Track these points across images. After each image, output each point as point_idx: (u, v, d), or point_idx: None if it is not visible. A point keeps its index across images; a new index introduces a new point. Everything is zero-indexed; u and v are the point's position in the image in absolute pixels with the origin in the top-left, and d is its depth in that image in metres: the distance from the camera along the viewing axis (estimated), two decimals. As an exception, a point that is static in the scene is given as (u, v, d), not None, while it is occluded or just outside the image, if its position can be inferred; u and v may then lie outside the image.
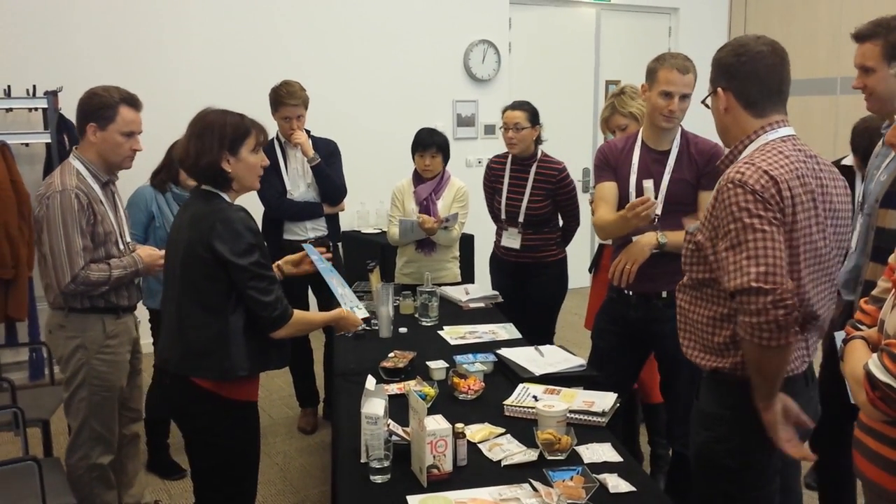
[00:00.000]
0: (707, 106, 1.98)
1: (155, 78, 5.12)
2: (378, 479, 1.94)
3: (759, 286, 1.67)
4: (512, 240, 3.78)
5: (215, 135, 2.17)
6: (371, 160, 5.63)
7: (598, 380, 2.64)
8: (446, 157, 3.86)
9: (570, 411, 2.21)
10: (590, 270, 3.96)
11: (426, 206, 3.82)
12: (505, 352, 2.80)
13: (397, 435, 2.08)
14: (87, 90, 2.65)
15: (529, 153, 3.74)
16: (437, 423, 1.93)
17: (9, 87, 4.63)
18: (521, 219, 3.74)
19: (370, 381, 2.18)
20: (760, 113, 1.85)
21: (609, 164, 2.84)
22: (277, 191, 3.82)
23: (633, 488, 1.88)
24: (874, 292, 1.88)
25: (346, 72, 5.87)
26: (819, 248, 1.81)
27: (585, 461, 2.01)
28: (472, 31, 6.30)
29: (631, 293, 2.80)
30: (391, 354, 2.81)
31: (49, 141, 4.53)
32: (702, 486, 1.98)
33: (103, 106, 2.60)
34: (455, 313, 3.47)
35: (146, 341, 3.11)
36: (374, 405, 2.05)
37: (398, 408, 2.26)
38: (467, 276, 4.61)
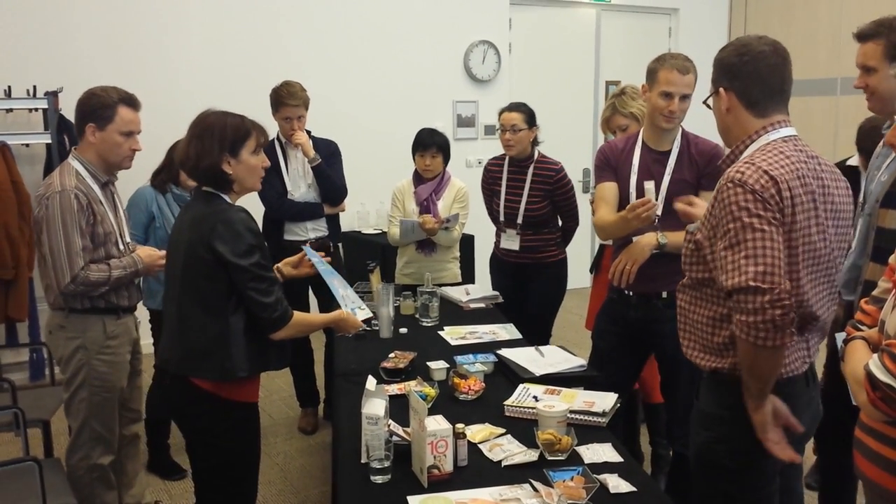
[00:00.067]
0: (709, 106, 1.98)
1: (155, 78, 5.12)
2: (378, 479, 1.94)
3: (756, 285, 1.67)
4: (511, 242, 3.78)
5: (216, 137, 2.17)
6: (371, 160, 5.63)
7: (599, 380, 2.64)
8: (447, 158, 3.86)
9: (571, 412, 2.21)
10: (591, 271, 3.96)
11: (426, 207, 3.82)
12: (505, 352, 2.80)
13: (398, 435, 2.08)
14: (86, 90, 2.65)
15: (526, 154, 3.74)
16: (438, 424, 1.93)
17: (9, 87, 4.63)
18: (519, 220, 3.74)
19: (371, 382, 2.18)
20: (762, 113, 1.85)
21: (609, 165, 2.84)
22: (278, 191, 3.82)
23: (634, 488, 1.88)
24: (875, 293, 1.88)
25: (346, 72, 5.87)
26: (818, 249, 1.81)
27: (586, 461, 2.01)
28: (472, 31, 6.31)
29: (631, 293, 2.80)
30: (392, 355, 2.81)
31: (49, 141, 4.53)
32: (702, 487, 1.98)
33: (102, 106, 2.60)
34: (455, 314, 3.47)
35: (146, 342, 3.12)
36: (374, 405, 2.05)
37: (399, 408, 2.27)
38: (468, 276, 4.62)
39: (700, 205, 2.28)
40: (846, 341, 1.73)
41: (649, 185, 2.62)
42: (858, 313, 1.82)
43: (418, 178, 3.88)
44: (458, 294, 3.68)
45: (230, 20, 5.45)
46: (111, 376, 2.71)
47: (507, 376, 2.67)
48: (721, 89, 1.89)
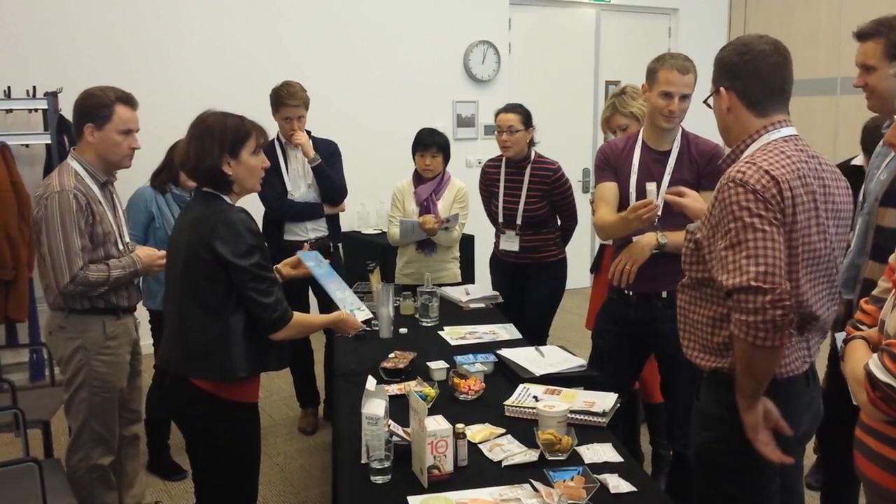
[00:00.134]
0: (709, 106, 1.98)
1: (155, 78, 5.13)
2: (379, 479, 1.94)
3: (758, 285, 1.67)
4: (510, 243, 3.78)
5: (216, 138, 2.17)
6: (371, 161, 5.63)
7: (599, 380, 2.64)
8: (447, 158, 3.86)
9: (571, 412, 2.21)
10: (591, 271, 3.96)
11: (426, 207, 3.82)
12: (505, 352, 2.80)
13: (398, 435, 2.07)
14: (83, 91, 2.65)
15: (523, 155, 3.74)
16: (438, 424, 1.93)
17: (9, 88, 4.63)
18: (518, 221, 3.74)
19: (370, 382, 2.18)
20: (763, 112, 1.85)
21: (609, 165, 2.84)
22: (278, 191, 3.81)
23: (634, 489, 1.88)
24: (874, 292, 1.88)
25: (346, 72, 5.87)
26: (818, 250, 1.81)
27: (586, 461, 2.01)
28: (471, 31, 6.31)
29: (631, 293, 2.80)
30: (391, 355, 2.81)
31: (49, 142, 4.53)
32: (702, 487, 1.97)
33: (99, 105, 2.61)
34: (455, 314, 3.47)
35: (146, 342, 3.12)
36: (374, 406, 2.05)
37: (399, 408, 2.26)
38: (467, 276, 4.62)
39: (691, 195, 2.28)
40: (846, 341, 1.72)
41: (651, 187, 2.61)
42: (858, 313, 1.82)
43: (418, 179, 3.88)
44: (457, 294, 3.68)
45: (230, 20, 5.45)
46: (111, 377, 2.71)
47: (507, 376, 2.67)
48: (721, 89, 1.89)
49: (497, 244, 3.90)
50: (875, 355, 1.50)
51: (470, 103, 6.41)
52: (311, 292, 3.97)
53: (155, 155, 3.35)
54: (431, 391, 2.41)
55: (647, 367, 3.04)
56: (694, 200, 2.27)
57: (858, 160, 3.22)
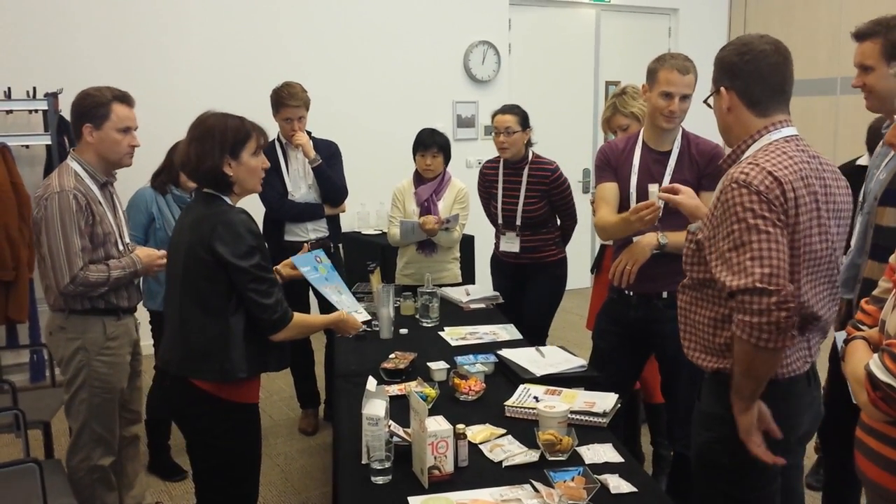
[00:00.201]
0: (709, 106, 1.97)
1: (155, 78, 5.13)
2: (379, 480, 1.94)
3: (763, 287, 1.66)
4: (510, 244, 3.78)
5: (216, 139, 2.17)
6: (371, 161, 5.63)
7: (599, 380, 2.64)
8: (447, 158, 3.86)
9: (571, 412, 2.21)
10: (592, 271, 3.96)
11: (427, 207, 3.82)
12: (506, 353, 2.80)
13: (398, 436, 2.07)
14: (79, 92, 2.66)
15: (521, 156, 3.74)
16: (438, 424, 1.93)
17: (9, 88, 4.63)
18: (518, 222, 3.74)
19: (371, 383, 2.18)
20: (763, 112, 1.85)
21: (610, 165, 2.84)
22: (278, 192, 3.81)
23: (635, 489, 1.88)
24: (875, 292, 1.88)
25: (346, 72, 5.87)
26: (820, 250, 1.81)
27: (587, 462, 2.01)
28: (471, 32, 6.31)
29: (631, 294, 2.80)
30: (392, 355, 2.81)
31: (49, 143, 4.53)
32: (703, 487, 1.97)
33: (97, 105, 2.61)
34: (456, 314, 3.47)
35: (146, 343, 3.11)
36: (374, 406, 2.05)
37: (399, 409, 2.27)
38: (468, 276, 4.62)
39: (685, 192, 2.28)
40: (847, 341, 1.72)
41: (653, 189, 2.60)
42: (859, 313, 1.82)
43: (419, 179, 3.88)
44: (458, 294, 3.68)
45: (230, 20, 5.45)
46: (111, 377, 2.71)
47: (507, 377, 2.67)
48: (722, 88, 1.89)
49: (497, 245, 3.90)
50: (876, 355, 1.50)
51: (470, 104, 6.41)
52: (311, 293, 3.97)
53: (155, 155, 3.35)
54: (432, 392, 2.41)
55: (647, 367, 3.04)
56: (688, 197, 2.27)
57: (863, 160, 3.21)
